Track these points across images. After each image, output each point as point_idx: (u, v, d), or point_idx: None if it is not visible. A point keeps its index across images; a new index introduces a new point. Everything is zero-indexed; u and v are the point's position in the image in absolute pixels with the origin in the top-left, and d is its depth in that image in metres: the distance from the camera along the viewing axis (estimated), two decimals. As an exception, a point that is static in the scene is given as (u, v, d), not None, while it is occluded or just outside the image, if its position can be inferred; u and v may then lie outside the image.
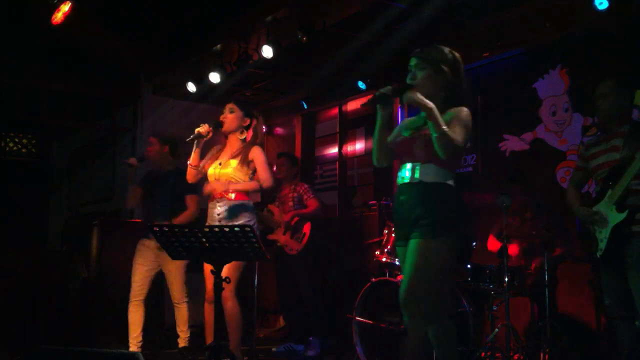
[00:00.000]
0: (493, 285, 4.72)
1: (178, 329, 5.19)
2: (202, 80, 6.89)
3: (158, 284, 5.28)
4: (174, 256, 3.41)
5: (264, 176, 4.39)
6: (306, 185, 6.30)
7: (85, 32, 6.44)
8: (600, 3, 4.74)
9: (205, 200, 4.52)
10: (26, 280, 5.88)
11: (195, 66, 6.95)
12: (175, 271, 5.12)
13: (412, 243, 3.10)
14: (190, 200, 5.17)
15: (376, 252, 5.17)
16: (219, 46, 6.50)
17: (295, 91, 7.81)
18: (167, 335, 6.40)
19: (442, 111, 3.12)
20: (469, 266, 4.80)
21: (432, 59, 3.22)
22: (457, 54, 3.30)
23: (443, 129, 3.01)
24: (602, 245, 3.62)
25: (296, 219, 6.08)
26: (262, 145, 4.57)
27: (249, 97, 7.93)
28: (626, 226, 3.53)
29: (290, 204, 6.20)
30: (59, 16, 5.76)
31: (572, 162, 5.49)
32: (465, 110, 3.18)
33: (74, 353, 3.09)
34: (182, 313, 5.18)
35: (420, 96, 3.05)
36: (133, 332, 5.10)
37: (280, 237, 6.14)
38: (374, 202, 6.20)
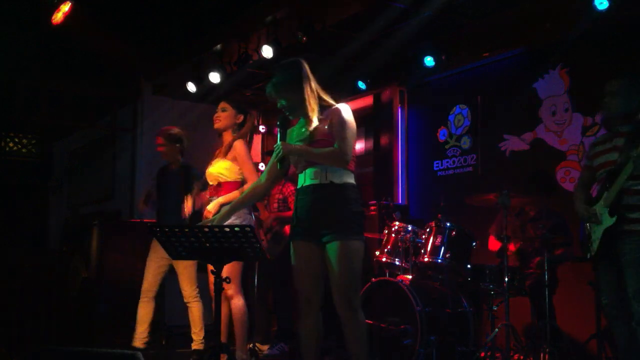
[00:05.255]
0: (493, 285, 4.71)
1: (191, 331, 5.01)
2: (202, 80, 6.89)
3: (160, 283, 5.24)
4: (174, 256, 3.41)
5: (246, 172, 4.32)
6: (292, 187, 5.94)
7: (86, 32, 6.44)
8: (601, 3, 4.73)
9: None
10: (26, 280, 5.87)
11: (195, 66, 6.95)
12: (184, 269, 5.00)
13: (333, 245, 3.22)
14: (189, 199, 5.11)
15: (376, 252, 5.17)
16: (219, 46, 6.50)
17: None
18: (168, 335, 6.41)
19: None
20: (469, 266, 4.79)
21: (281, 89, 3.31)
22: (298, 60, 3.33)
23: (324, 154, 3.24)
24: (595, 246, 3.64)
25: (274, 222, 5.84)
26: (245, 139, 4.44)
27: (249, 97, 7.93)
28: (619, 225, 3.53)
29: (275, 205, 5.98)
30: (59, 16, 5.76)
31: (572, 162, 5.49)
32: (342, 111, 3.26)
33: (74, 353, 3.09)
34: (192, 312, 5.01)
35: (290, 148, 3.37)
36: (139, 327, 4.99)
37: (262, 237, 5.81)
38: (374, 202, 6.17)
